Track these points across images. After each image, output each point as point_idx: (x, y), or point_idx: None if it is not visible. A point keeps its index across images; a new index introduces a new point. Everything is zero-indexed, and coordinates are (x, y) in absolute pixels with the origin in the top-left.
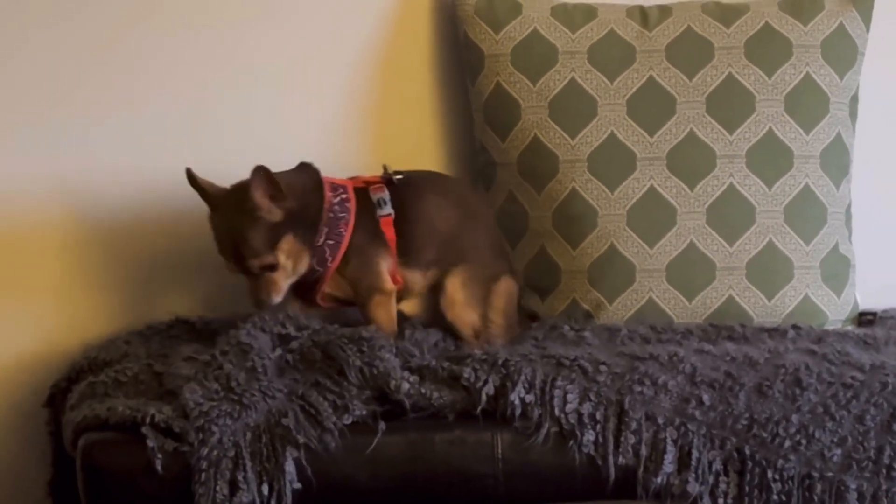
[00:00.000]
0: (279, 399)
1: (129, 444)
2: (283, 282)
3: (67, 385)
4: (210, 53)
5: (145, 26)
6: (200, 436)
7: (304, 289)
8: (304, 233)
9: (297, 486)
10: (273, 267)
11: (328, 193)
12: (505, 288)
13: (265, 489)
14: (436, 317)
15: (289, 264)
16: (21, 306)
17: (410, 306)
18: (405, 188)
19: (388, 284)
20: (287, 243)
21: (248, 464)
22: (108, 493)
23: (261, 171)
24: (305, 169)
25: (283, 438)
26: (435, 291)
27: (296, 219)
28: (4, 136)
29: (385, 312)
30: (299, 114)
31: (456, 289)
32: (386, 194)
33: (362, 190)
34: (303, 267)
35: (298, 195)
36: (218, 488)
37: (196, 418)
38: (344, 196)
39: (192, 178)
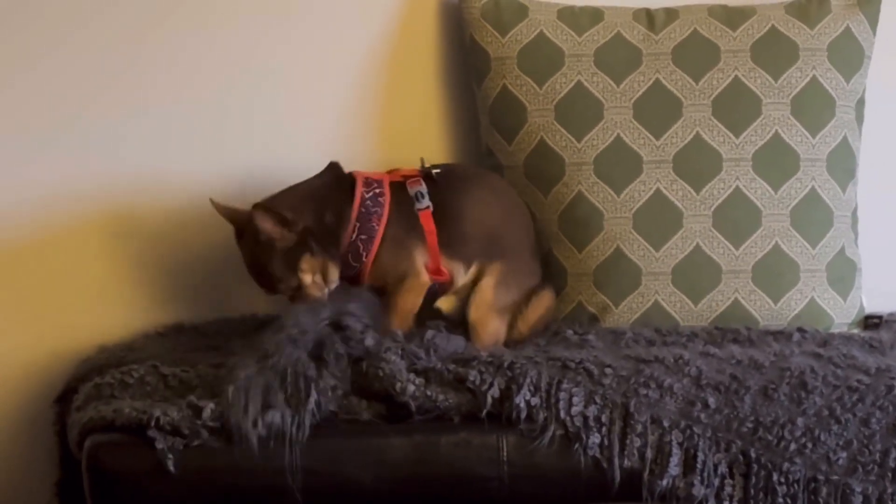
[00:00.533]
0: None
1: (135, 446)
2: (319, 293)
3: (82, 382)
4: (225, 57)
5: (162, 28)
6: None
7: (351, 283)
8: (323, 245)
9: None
10: (300, 287)
11: (360, 189)
12: (544, 303)
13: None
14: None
15: (318, 279)
16: (35, 307)
17: (449, 303)
18: (445, 181)
19: (423, 276)
20: (306, 262)
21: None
22: (113, 495)
23: (259, 210)
24: (332, 169)
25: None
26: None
27: (312, 235)
28: (26, 138)
29: (411, 299)
30: (307, 117)
31: (489, 287)
32: (423, 188)
33: (399, 184)
34: (334, 276)
35: (314, 208)
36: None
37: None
38: (378, 191)
39: (216, 207)
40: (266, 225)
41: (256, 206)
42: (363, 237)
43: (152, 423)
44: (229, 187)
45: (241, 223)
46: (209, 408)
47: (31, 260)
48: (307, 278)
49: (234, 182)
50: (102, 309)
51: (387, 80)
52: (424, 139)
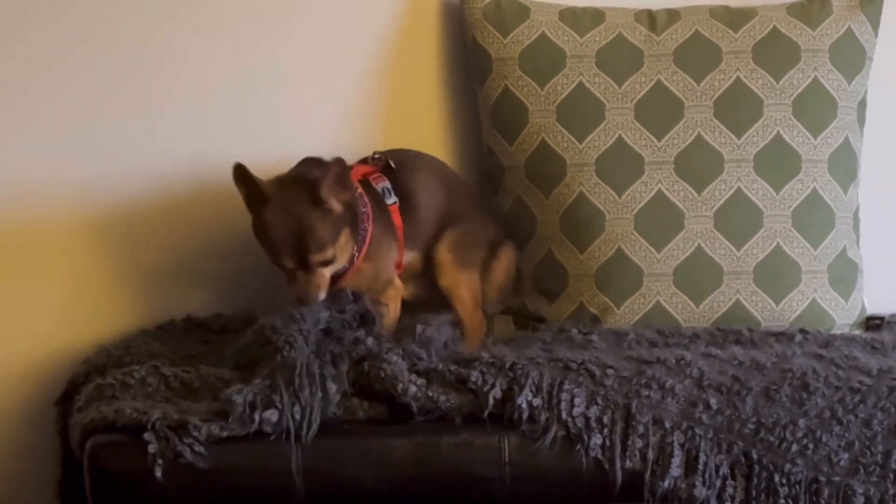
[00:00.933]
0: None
1: (137, 446)
2: (324, 282)
3: (83, 381)
4: (225, 58)
5: (165, 28)
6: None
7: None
8: (354, 226)
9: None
10: (330, 261)
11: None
12: (506, 262)
13: (297, 411)
14: (432, 293)
15: (341, 258)
16: (36, 304)
17: (405, 291)
18: (398, 172)
19: (398, 282)
20: (344, 236)
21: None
22: (115, 496)
23: (340, 163)
24: (319, 163)
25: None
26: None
27: (351, 212)
28: (24, 136)
29: (395, 307)
30: (308, 117)
31: (445, 252)
32: (387, 183)
33: (364, 182)
34: (345, 261)
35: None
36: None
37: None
38: (359, 191)
39: (242, 172)
40: (331, 183)
41: (339, 158)
42: (358, 238)
43: (149, 426)
44: (229, 186)
45: (273, 191)
46: (212, 406)
47: (29, 260)
48: (338, 253)
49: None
50: (101, 308)
51: (388, 81)
52: (426, 140)
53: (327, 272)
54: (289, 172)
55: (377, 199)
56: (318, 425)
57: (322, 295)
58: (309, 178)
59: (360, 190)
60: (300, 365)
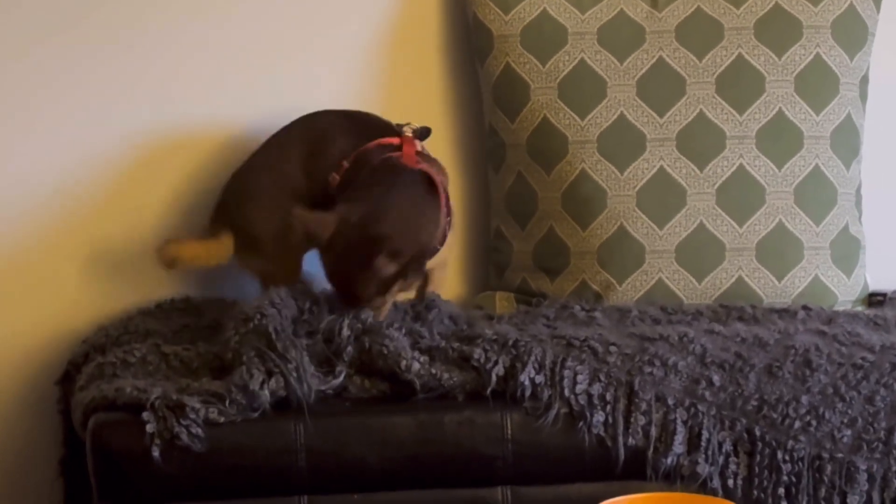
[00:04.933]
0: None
1: (139, 424)
2: (387, 311)
3: (83, 361)
4: (221, 34)
5: (168, 15)
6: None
7: None
8: (416, 268)
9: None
10: (380, 304)
11: (438, 177)
12: None
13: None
14: None
15: (400, 296)
16: (34, 286)
17: None
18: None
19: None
20: (399, 286)
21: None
22: (117, 474)
23: (380, 246)
24: (413, 179)
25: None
26: None
27: (412, 262)
28: (18, 120)
29: (439, 286)
30: (309, 95)
31: None
32: (446, 177)
33: (427, 175)
34: (414, 288)
35: (416, 232)
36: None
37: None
38: (426, 164)
39: (299, 217)
40: (380, 261)
41: (378, 238)
42: (448, 219)
43: (148, 405)
44: (228, 168)
45: (330, 238)
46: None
47: (26, 242)
48: (391, 299)
49: (231, 167)
50: (99, 289)
51: (389, 59)
52: (427, 118)
53: (385, 310)
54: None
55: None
56: (315, 392)
57: (383, 314)
58: (370, 234)
59: (444, 190)
60: (273, 330)
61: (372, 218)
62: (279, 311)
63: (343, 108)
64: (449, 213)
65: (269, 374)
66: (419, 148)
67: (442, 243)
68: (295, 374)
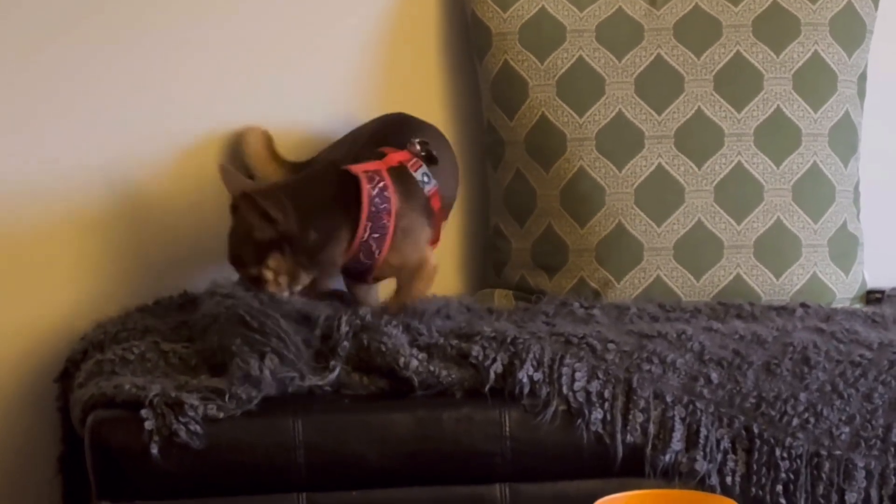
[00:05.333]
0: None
1: (137, 421)
2: (278, 291)
3: (81, 358)
4: (221, 30)
5: (155, 8)
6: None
7: (355, 274)
8: (299, 254)
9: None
10: (259, 279)
11: (366, 188)
12: None
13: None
14: None
15: (282, 280)
16: (32, 283)
17: None
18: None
19: (433, 261)
20: (274, 261)
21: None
22: (116, 471)
23: (246, 199)
24: (329, 171)
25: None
26: None
27: (291, 239)
28: (20, 122)
29: (424, 287)
30: (307, 92)
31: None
32: (426, 168)
33: (398, 168)
34: (302, 282)
35: (304, 217)
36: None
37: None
38: (382, 185)
39: (224, 172)
40: (248, 213)
41: (245, 194)
42: (375, 236)
43: (147, 402)
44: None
45: (238, 198)
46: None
47: (26, 241)
48: (269, 275)
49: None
50: (98, 286)
51: (388, 56)
52: (426, 115)
53: (272, 284)
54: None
55: (412, 185)
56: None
57: (284, 296)
58: (258, 195)
59: (383, 183)
60: (245, 312)
61: (269, 188)
62: (239, 298)
63: (341, 107)
64: (381, 232)
65: (262, 354)
66: (398, 163)
67: (358, 254)
68: (282, 344)
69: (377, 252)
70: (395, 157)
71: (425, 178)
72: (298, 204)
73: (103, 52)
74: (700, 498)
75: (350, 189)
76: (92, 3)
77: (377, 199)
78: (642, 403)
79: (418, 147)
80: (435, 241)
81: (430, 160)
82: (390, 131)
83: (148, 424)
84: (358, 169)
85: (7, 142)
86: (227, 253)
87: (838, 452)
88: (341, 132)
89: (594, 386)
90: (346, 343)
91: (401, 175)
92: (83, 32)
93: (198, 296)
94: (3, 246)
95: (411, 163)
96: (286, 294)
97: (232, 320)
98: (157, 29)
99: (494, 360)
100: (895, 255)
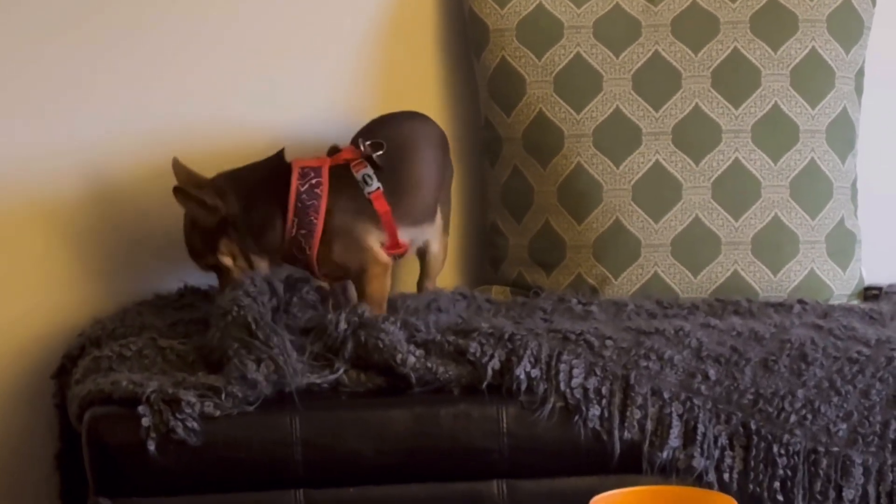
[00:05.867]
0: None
1: (134, 418)
2: (241, 276)
3: (79, 354)
4: (216, 26)
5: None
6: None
7: (304, 268)
8: (244, 236)
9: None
10: (218, 267)
11: (295, 182)
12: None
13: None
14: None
15: (240, 263)
16: (29, 279)
17: None
18: (388, 151)
19: (381, 257)
20: (224, 245)
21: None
22: (113, 467)
23: (178, 192)
24: (274, 159)
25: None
26: None
27: (234, 222)
28: (19, 116)
29: (378, 286)
30: (304, 88)
31: (438, 217)
32: (369, 170)
33: (342, 167)
34: (259, 264)
35: (247, 194)
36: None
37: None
38: (315, 181)
39: (175, 167)
40: (187, 205)
41: (177, 189)
42: (303, 232)
43: (144, 399)
44: (221, 157)
45: (183, 197)
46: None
47: (21, 236)
48: (227, 260)
49: (228, 152)
50: (95, 281)
51: (385, 53)
52: (423, 111)
53: (234, 275)
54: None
55: (353, 185)
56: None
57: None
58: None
59: (316, 180)
60: (252, 320)
61: (210, 178)
62: (255, 299)
63: (339, 104)
64: (308, 228)
65: (258, 361)
66: (343, 160)
67: (292, 248)
68: (282, 358)
69: (307, 248)
70: (344, 155)
71: (367, 180)
72: (240, 189)
73: (103, 52)
74: (697, 494)
75: (286, 182)
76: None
77: (304, 196)
78: (640, 400)
79: (368, 149)
80: (393, 246)
81: (373, 164)
82: (372, 127)
83: (145, 421)
84: (298, 164)
85: (9, 138)
86: (187, 248)
87: (836, 449)
88: (337, 129)
89: (592, 382)
90: (349, 345)
91: (342, 174)
92: (74, 29)
93: (213, 291)
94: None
95: (355, 163)
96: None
97: (238, 323)
98: (153, 28)
99: (492, 356)
100: (893, 251)
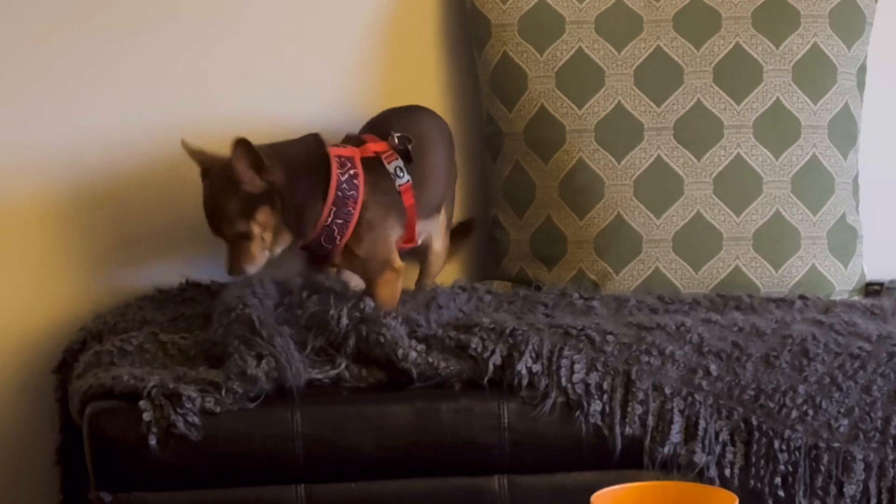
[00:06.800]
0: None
1: (136, 412)
2: (259, 253)
3: (80, 349)
4: (216, 23)
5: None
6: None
7: (315, 258)
8: (289, 208)
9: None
10: (246, 236)
11: (335, 171)
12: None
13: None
14: None
15: (266, 237)
16: (30, 274)
17: None
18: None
19: (398, 262)
20: (263, 214)
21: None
22: (114, 462)
23: (241, 144)
24: (311, 142)
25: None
26: None
27: (281, 193)
28: (11, 105)
29: (391, 291)
30: (306, 83)
31: (443, 220)
32: (400, 162)
33: (373, 160)
34: (282, 243)
35: (291, 170)
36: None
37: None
38: (352, 171)
39: (186, 147)
40: (241, 161)
41: (240, 140)
42: (339, 221)
43: (145, 394)
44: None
45: (209, 163)
46: (207, 374)
47: (24, 230)
48: (257, 230)
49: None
50: (97, 276)
51: (387, 47)
52: (425, 106)
53: (254, 248)
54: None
55: (385, 178)
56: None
57: (251, 269)
58: (239, 146)
59: (354, 171)
60: (256, 319)
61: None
62: (261, 300)
63: (341, 98)
64: (344, 219)
65: (259, 357)
66: (374, 153)
67: (320, 237)
68: (284, 356)
69: (338, 238)
70: (372, 146)
71: (398, 172)
72: (284, 163)
73: (108, 47)
74: (698, 490)
75: (325, 168)
76: None
77: (345, 186)
78: (641, 395)
79: (397, 141)
80: (409, 240)
81: (405, 156)
82: (384, 120)
83: (146, 416)
84: (333, 152)
85: (12, 135)
86: (207, 215)
87: (837, 445)
88: (339, 123)
89: (593, 378)
90: (351, 341)
91: (374, 166)
92: (78, 24)
93: (222, 286)
94: (1, 236)
95: (386, 154)
96: (265, 255)
97: (241, 320)
98: (159, 25)
99: (493, 351)
100: (894, 247)
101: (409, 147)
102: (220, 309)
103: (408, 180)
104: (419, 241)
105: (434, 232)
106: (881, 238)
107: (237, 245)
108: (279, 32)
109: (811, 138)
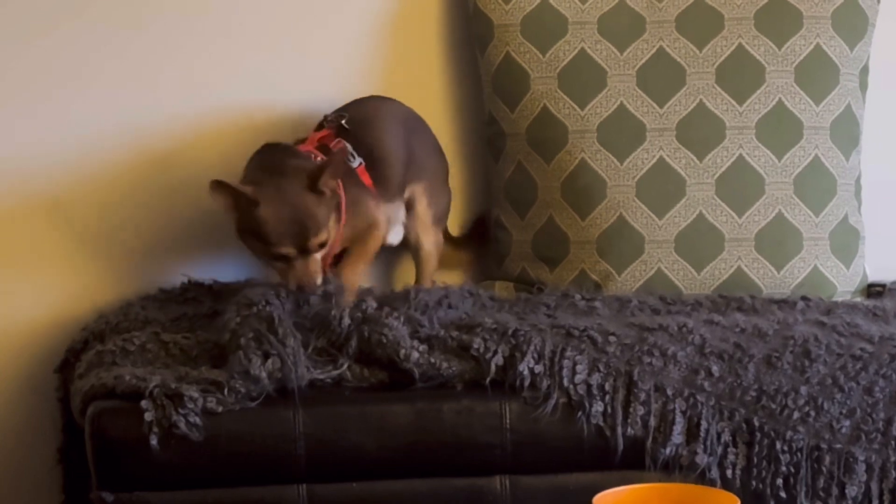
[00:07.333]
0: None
1: (137, 412)
2: (318, 266)
3: (82, 349)
4: (218, 16)
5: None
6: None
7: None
8: (338, 209)
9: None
10: (325, 244)
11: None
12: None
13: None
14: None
15: (330, 240)
16: (32, 273)
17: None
18: (353, 127)
19: (384, 226)
20: (332, 220)
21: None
22: (116, 461)
23: (340, 156)
24: (280, 149)
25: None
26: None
27: (335, 197)
28: (10, 104)
29: (373, 249)
30: (308, 85)
31: (424, 210)
32: (348, 145)
33: (324, 148)
34: (331, 241)
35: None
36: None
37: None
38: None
39: (220, 185)
40: (330, 176)
41: (340, 151)
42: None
43: (147, 393)
44: (226, 147)
45: (269, 190)
46: (209, 374)
47: (24, 229)
48: (325, 235)
49: (231, 149)
50: (99, 275)
51: (390, 47)
52: (427, 106)
53: (320, 256)
54: (260, 165)
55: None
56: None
57: (320, 279)
58: (305, 168)
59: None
60: (277, 317)
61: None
62: (283, 304)
63: (343, 98)
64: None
65: (266, 355)
66: (318, 141)
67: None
68: (292, 358)
69: (336, 227)
70: (316, 136)
71: (351, 156)
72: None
73: (105, 44)
74: (700, 491)
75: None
76: None
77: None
78: (643, 396)
79: (333, 120)
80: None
81: (344, 132)
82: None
83: (148, 416)
84: (307, 150)
85: (13, 132)
86: (292, 227)
87: (839, 446)
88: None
89: (595, 378)
90: (353, 341)
91: (328, 154)
92: (74, 20)
93: (225, 286)
94: (2, 235)
95: (334, 143)
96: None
97: (261, 316)
98: (155, 21)
99: (495, 352)
100: None
101: (344, 123)
102: (243, 302)
103: (361, 162)
104: (391, 227)
105: (421, 231)
106: (883, 239)
107: (307, 257)
108: (281, 33)
109: (813, 139)
